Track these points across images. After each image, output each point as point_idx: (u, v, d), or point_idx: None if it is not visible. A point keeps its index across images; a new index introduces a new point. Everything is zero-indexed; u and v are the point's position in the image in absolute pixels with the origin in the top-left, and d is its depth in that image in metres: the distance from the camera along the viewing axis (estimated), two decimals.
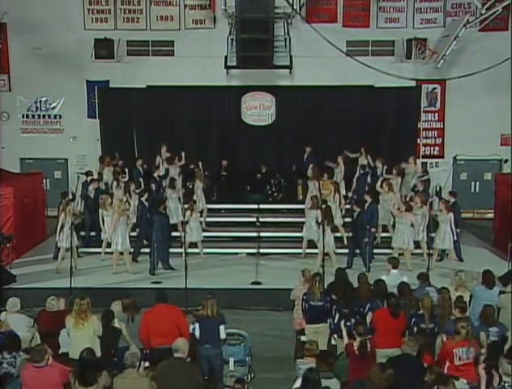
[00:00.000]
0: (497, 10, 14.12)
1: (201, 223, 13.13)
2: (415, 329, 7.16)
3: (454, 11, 16.96)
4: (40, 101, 17.67)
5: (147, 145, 16.26)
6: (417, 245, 12.40)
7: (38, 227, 14.53)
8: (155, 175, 14.13)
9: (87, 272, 11.94)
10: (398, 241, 11.98)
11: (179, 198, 13.49)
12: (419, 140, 17.07)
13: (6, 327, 7.32)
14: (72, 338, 7.11)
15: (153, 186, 13.77)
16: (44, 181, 15.49)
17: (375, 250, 12.48)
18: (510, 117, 14.64)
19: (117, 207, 11.97)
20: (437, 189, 14.49)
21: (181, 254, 11.69)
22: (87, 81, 17.13)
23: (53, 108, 17.68)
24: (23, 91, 17.49)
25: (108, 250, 12.47)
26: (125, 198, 12.94)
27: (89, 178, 13.92)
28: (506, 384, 5.68)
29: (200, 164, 14.46)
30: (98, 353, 6.99)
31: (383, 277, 8.87)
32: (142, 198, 12.67)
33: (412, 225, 11.95)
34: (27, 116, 17.75)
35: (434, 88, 17.36)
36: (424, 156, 17.50)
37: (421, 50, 16.20)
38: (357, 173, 14.50)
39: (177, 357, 6.17)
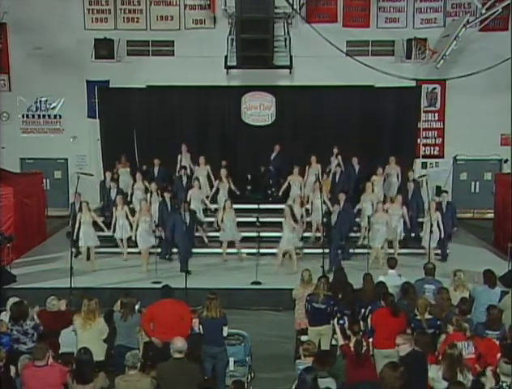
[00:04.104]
0: (497, 10, 14.08)
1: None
2: (414, 334, 7.11)
3: (454, 11, 16.97)
4: (40, 101, 17.67)
5: (147, 145, 16.26)
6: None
7: (38, 227, 14.52)
8: (179, 174, 14.13)
9: (88, 272, 11.93)
10: (377, 240, 12.04)
11: (202, 200, 13.50)
12: (419, 140, 17.07)
13: (6, 326, 7.35)
14: (79, 338, 7.11)
15: (177, 185, 13.84)
16: (44, 181, 15.50)
17: (357, 250, 12.81)
18: (510, 117, 14.63)
19: (140, 207, 12.18)
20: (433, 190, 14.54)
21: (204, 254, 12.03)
22: (87, 81, 17.12)
23: (53, 108, 17.69)
24: (23, 91, 17.49)
25: (130, 250, 12.57)
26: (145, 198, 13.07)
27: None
28: (504, 384, 5.67)
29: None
30: (102, 356, 7.02)
31: (381, 278, 8.87)
32: (166, 198, 12.74)
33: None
34: (27, 116, 17.76)
35: (434, 88, 17.37)
36: (424, 156, 17.51)
37: (421, 50, 16.18)
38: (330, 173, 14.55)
39: (177, 358, 6.16)
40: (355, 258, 12.57)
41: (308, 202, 13.36)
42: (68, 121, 17.64)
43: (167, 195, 12.92)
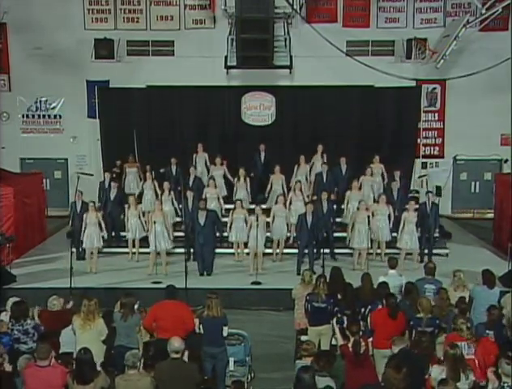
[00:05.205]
0: (497, 10, 14.07)
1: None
2: (413, 332, 7.13)
3: (454, 11, 16.98)
4: (40, 101, 17.69)
5: (147, 145, 16.26)
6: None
7: (38, 227, 14.52)
8: (196, 174, 14.05)
9: (88, 272, 11.93)
10: (357, 241, 12.00)
11: (218, 198, 13.45)
12: (419, 140, 17.07)
13: (6, 326, 7.35)
14: (78, 339, 7.07)
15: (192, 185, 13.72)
16: (44, 181, 15.51)
17: (342, 250, 12.88)
18: (510, 117, 14.64)
19: (154, 207, 12.19)
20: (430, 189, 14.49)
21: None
22: (87, 81, 17.14)
23: (53, 108, 17.71)
24: (23, 91, 17.50)
25: (144, 249, 12.52)
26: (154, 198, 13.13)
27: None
28: (506, 384, 5.66)
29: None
30: (101, 356, 7.00)
31: (381, 278, 8.87)
32: (189, 197, 12.62)
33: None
34: (27, 116, 17.77)
35: (434, 88, 17.38)
36: (424, 156, 17.51)
37: (421, 50, 16.19)
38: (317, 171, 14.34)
39: (174, 358, 6.17)
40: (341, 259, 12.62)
41: (290, 202, 13.10)
42: (68, 121, 17.65)
43: (190, 194, 12.74)
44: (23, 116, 17.77)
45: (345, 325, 7.40)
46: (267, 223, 12.44)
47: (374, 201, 12.99)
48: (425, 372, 6.23)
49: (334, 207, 13.01)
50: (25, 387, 6.08)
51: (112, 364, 6.97)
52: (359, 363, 6.39)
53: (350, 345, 6.59)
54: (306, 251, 12.09)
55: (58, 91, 17.24)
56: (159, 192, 13.47)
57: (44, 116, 17.79)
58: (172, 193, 13.19)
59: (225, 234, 13.02)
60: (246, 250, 12.65)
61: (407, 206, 12.29)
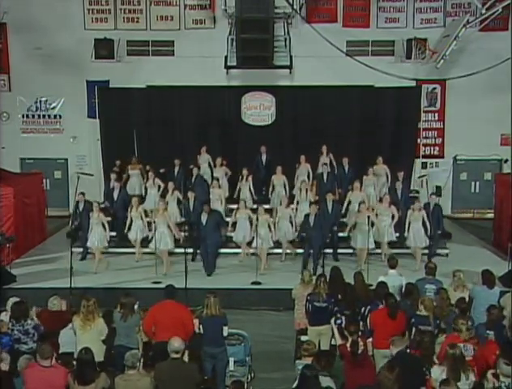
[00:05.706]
0: (497, 10, 14.07)
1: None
2: (413, 330, 7.13)
3: (454, 11, 16.98)
4: (40, 101, 17.68)
5: (147, 145, 16.27)
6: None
7: (38, 227, 14.52)
8: (199, 172, 14.12)
9: (87, 272, 11.93)
10: (359, 240, 11.99)
11: (221, 199, 13.46)
12: (419, 140, 17.07)
13: (6, 327, 7.35)
14: (79, 339, 7.07)
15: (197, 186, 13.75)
16: (44, 181, 15.51)
17: (343, 250, 12.84)
18: (510, 117, 14.63)
19: (158, 208, 12.18)
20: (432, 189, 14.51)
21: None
22: (87, 81, 17.13)
23: (53, 108, 17.69)
24: (23, 91, 17.49)
25: (146, 250, 12.51)
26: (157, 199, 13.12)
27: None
28: (503, 384, 5.68)
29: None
30: (101, 356, 7.00)
31: (381, 278, 8.88)
32: (190, 198, 12.66)
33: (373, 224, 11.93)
34: (27, 116, 17.76)
35: (434, 88, 17.38)
36: (424, 156, 17.51)
37: (421, 50, 16.20)
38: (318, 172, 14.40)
39: (174, 358, 6.18)
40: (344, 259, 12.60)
41: (295, 202, 13.14)
42: (68, 121, 17.64)
43: (191, 195, 12.78)
44: (23, 116, 17.76)
45: (343, 325, 7.41)
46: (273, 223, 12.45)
47: (379, 201, 13.00)
48: (426, 372, 6.24)
49: (344, 207, 13.05)
50: (25, 387, 6.08)
51: (112, 364, 6.98)
52: (357, 363, 6.40)
53: (348, 345, 6.59)
54: (311, 251, 12.10)
55: (58, 91, 17.23)
56: (161, 190, 13.51)
57: (44, 116, 17.79)
58: (176, 192, 13.20)
59: (229, 234, 13.02)
60: (250, 250, 12.64)
61: (412, 206, 12.25)
